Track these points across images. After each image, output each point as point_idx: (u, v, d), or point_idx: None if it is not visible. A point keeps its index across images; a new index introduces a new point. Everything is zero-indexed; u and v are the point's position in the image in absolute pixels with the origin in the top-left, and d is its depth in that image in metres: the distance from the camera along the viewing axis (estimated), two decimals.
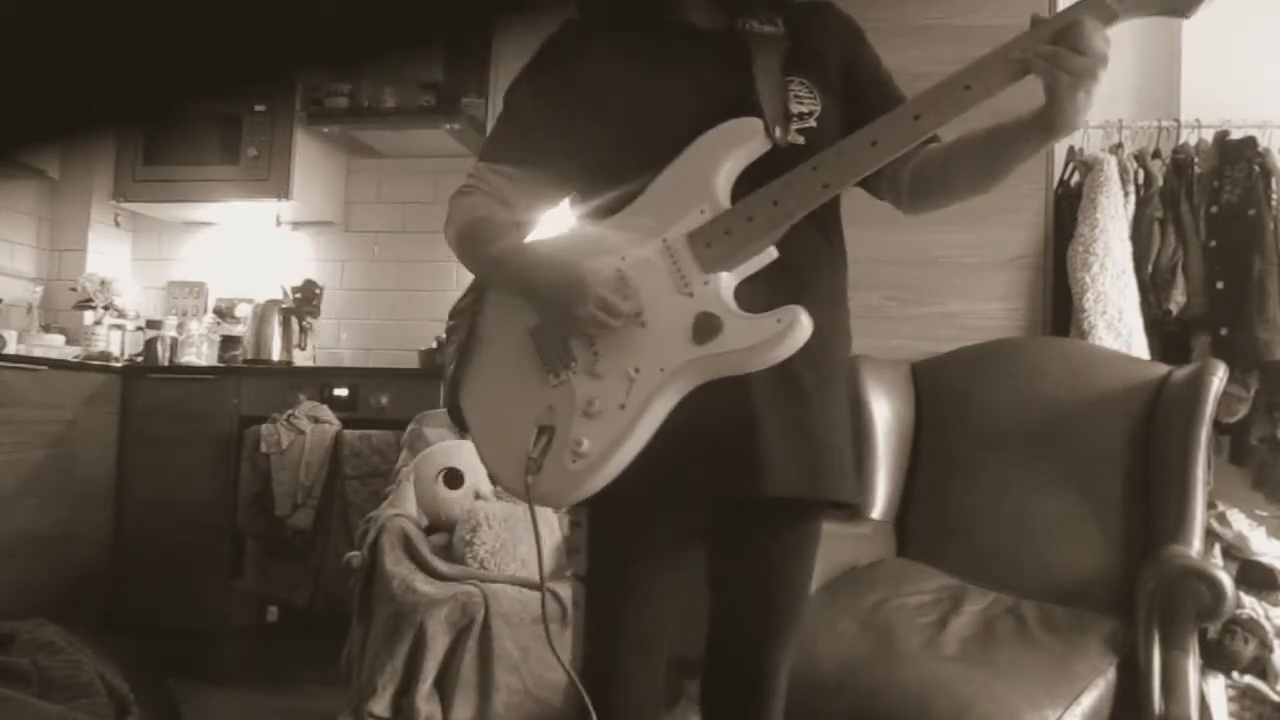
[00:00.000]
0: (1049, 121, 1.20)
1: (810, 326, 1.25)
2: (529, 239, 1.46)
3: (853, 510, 1.44)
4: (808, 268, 1.37)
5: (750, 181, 1.31)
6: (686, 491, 1.36)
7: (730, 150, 1.31)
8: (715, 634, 1.47)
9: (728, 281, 1.29)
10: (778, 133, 1.31)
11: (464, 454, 2.85)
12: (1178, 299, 2.91)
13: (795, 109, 1.36)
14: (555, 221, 1.53)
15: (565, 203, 1.50)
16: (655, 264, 1.31)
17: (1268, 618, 2.47)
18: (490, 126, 1.84)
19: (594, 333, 1.30)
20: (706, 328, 1.26)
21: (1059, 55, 1.16)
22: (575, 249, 1.36)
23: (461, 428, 1.43)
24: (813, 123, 1.36)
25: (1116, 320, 2.85)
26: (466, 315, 1.44)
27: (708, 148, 1.32)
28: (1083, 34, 1.16)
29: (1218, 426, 2.74)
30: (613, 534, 1.43)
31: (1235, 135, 2.98)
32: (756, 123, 1.31)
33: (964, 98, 1.22)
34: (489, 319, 1.42)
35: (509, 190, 1.44)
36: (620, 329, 1.30)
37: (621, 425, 1.27)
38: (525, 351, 1.36)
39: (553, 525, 2.80)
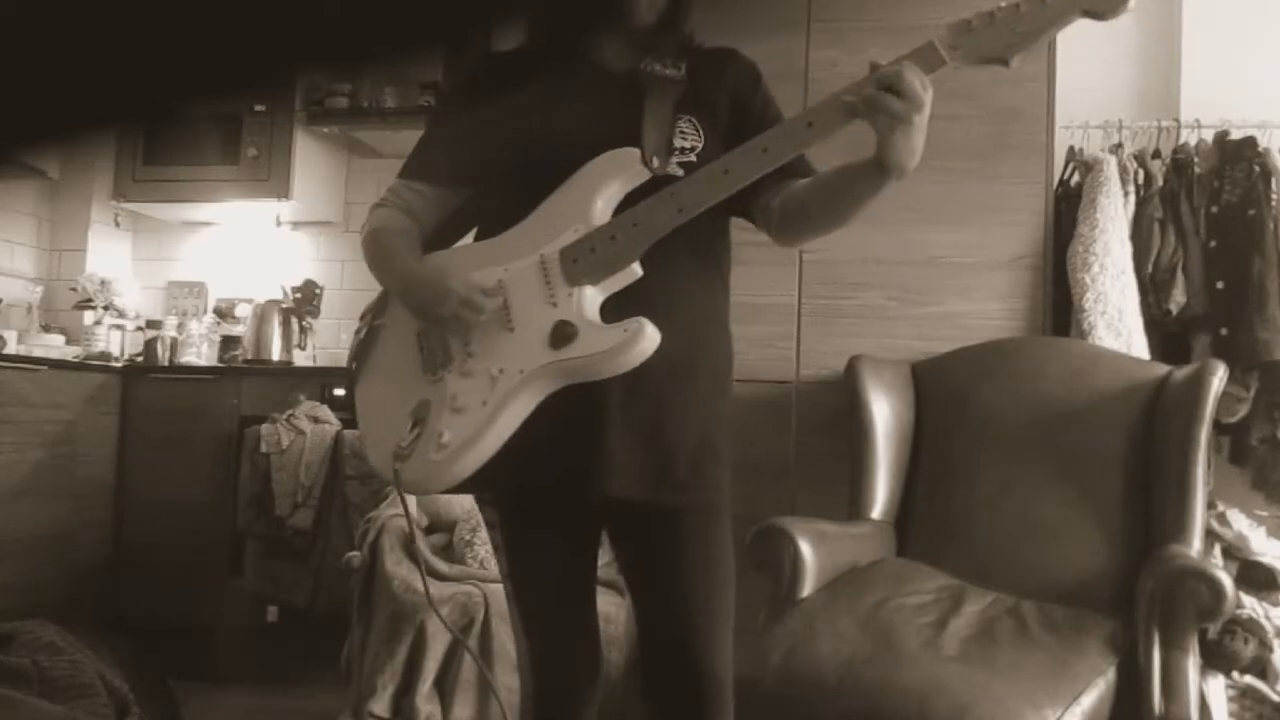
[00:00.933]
0: (880, 162, 1.31)
1: (656, 337, 1.34)
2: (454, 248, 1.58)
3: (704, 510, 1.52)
4: (675, 286, 1.46)
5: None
6: (566, 491, 1.45)
7: (609, 177, 1.42)
8: (639, 630, 1.56)
9: (591, 295, 1.39)
10: (655, 163, 1.42)
11: None
12: (1178, 299, 2.91)
13: (679, 144, 1.47)
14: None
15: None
16: (530, 275, 1.42)
17: (1268, 618, 2.47)
18: None
19: (461, 329, 1.42)
20: (562, 335, 1.37)
21: (878, 98, 1.27)
22: (464, 261, 1.49)
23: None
24: (693, 157, 1.46)
25: (1116, 320, 2.85)
26: (369, 316, 1.58)
27: (588, 175, 1.43)
28: (902, 79, 1.26)
29: (1218, 426, 2.74)
30: (524, 532, 1.54)
31: (1235, 135, 2.98)
32: (633, 152, 1.41)
33: (806, 135, 1.35)
34: (390, 320, 1.54)
35: (418, 205, 1.58)
36: (488, 327, 1.41)
37: (481, 420, 1.37)
38: (412, 351, 1.48)
39: None
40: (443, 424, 1.39)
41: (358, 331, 1.59)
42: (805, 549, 2.32)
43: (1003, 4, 1.30)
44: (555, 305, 1.39)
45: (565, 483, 1.43)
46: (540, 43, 1.57)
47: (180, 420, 3.63)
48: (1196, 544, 2.32)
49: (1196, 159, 2.99)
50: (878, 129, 1.29)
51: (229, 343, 4.04)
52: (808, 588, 2.31)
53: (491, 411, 1.37)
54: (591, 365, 1.36)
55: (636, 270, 1.39)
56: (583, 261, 1.39)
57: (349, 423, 3.46)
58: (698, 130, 1.49)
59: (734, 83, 1.57)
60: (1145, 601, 2.12)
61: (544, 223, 1.44)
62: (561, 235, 1.41)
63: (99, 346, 3.92)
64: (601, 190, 1.41)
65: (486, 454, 1.37)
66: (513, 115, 1.51)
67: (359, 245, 1.61)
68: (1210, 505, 2.60)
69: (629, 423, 1.42)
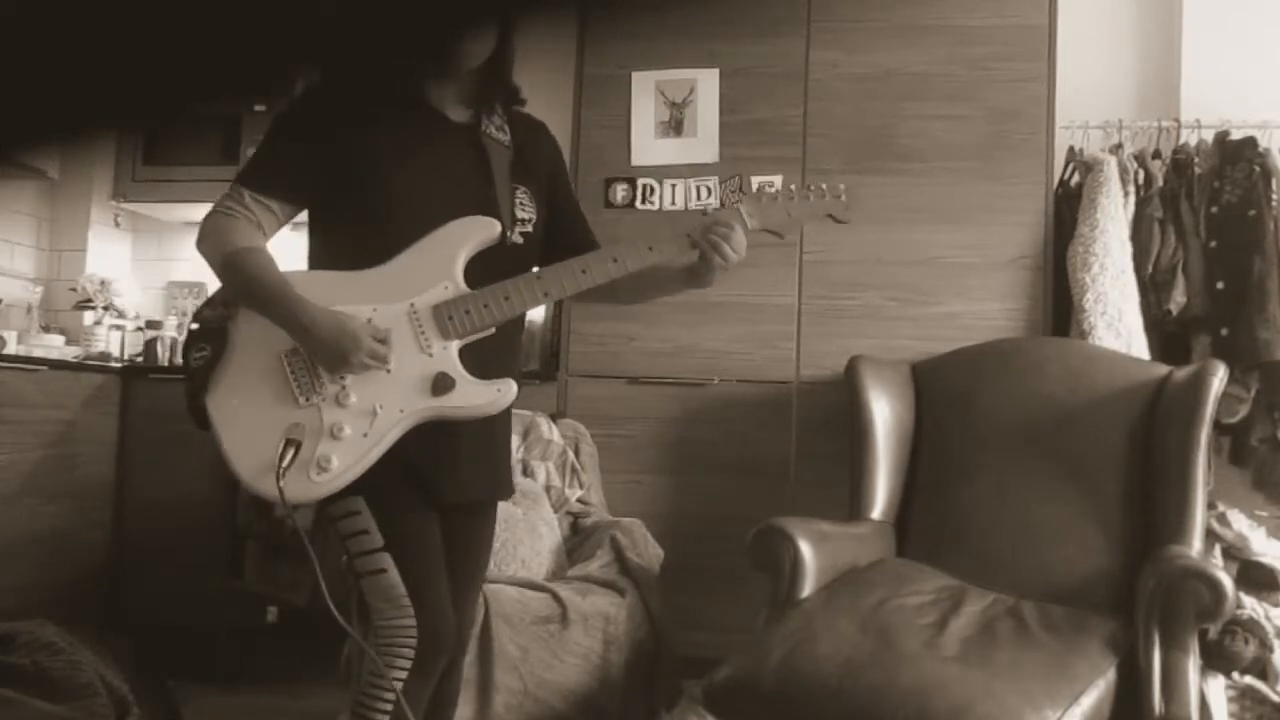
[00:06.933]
0: (697, 280, 1.70)
1: (515, 395, 1.65)
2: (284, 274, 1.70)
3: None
4: (511, 340, 1.75)
5: (471, 266, 1.64)
6: (421, 495, 1.69)
7: (471, 240, 1.65)
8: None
9: (456, 347, 1.63)
10: (509, 233, 1.68)
11: None
12: (1178, 299, 2.91)
13: (520, 214, 1.72)
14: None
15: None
16: (401, 323, 1.62)
17: (1268, 618, 2.47)
18: None
19: (356, 373, 1.60)
20: (443, 385, 1.60)
21: (720, 246, 1.64)
22: (330, 295, 1.62)
23: (201, 424, 1.67)
24: (530, 229, 1.73)
25: (1116, 320, 2.85)
26: (219, 325, 1.68)
27: (454, 235, 1.64)
28: (737, 237, 1.64)
29: (1218, 426, 2.74)
30: (394, 511, 1.68)
31: (1235, 135, 2.98)
32: (496, 224, 1.65)
33: (648, 255, 1.67)
34: (242, 334, 1.66)
35: (267, 221, 1.70)
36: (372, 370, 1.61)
37: (363, 449, 1.59)
38: (278, 371, 1.62)
39: (552, 525, 2.79)
40: (325, 448, 1.58)
41: (200, 335, 1.68)
42: (805, 549, 2.32)
43: (791, 186, 1.71)
44: (431, 355, 1.61)
45: (437, 487, 1.67)
46: (381, 79, 1.69)
47: (180, 420, 3.54)
48: (1197, 544, 2.32)
49: (1196, 159, 2.99)
50: (709, 262, 1.65)
51: None
52: (808, 588, 2.31)
53: (373, 443, 1.59)
54: (463, 413, 1.62)
55: (492, 330, 1.64)
56: (458, 321, 1.62)
57: None
58: (532, 202, 1.73)
59: (552, 163, 1.84)
60: (1145, 602, 2.12)
61: (410, 273, 1.63)
62: (431, 290, 1.62)
63: (99, 347, 3.92)
64: (464, 252, 1.63)
65: (358, 475, 1.59)
66: (369, 150, 1.65)
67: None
68: (1210, 505, 2.60)
69: (479, 447, 1.72)
